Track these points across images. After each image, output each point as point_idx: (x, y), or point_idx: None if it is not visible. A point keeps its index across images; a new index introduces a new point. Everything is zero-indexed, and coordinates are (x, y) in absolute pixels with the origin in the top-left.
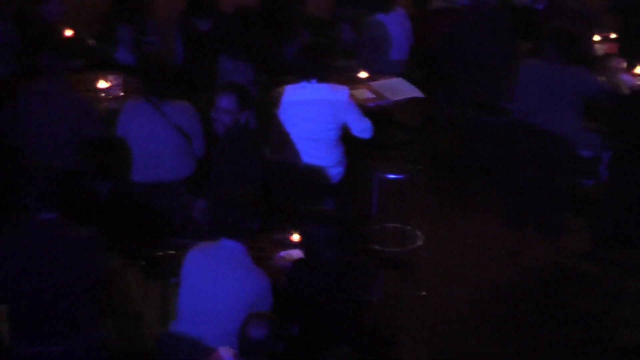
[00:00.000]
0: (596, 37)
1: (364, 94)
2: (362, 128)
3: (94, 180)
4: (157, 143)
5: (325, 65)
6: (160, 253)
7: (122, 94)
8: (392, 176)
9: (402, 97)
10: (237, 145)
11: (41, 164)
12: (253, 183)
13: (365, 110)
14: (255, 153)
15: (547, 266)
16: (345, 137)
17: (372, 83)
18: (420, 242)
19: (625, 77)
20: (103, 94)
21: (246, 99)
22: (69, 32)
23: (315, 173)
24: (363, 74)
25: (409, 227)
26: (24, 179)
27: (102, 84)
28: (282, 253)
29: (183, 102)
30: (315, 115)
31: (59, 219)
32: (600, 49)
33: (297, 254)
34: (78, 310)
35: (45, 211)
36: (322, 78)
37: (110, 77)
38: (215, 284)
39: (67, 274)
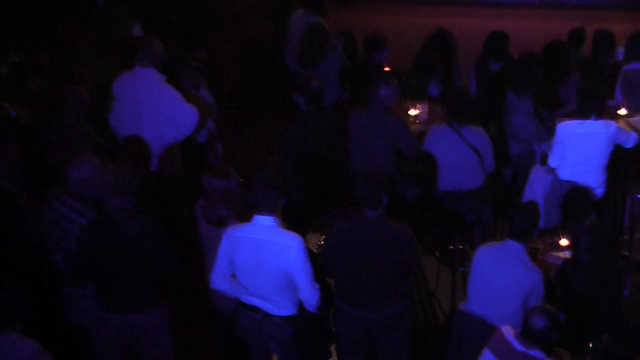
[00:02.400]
0: None
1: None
2: (630, 141)
3: (405, 186)
4: (457, 160)
5: (602, 105)
6: (452, 247)
7: (428, 119)
8: None
9: None
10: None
11: (369, 171)
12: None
13: None
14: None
15: None
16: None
17: (630, 119)
18: None
19: None
20: (413, 119)
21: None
22: (387, 69)
23: (584, 192)
24: (622, 111)
25: None
26: (354, 184)
27: (412, 111)
28: (553, 253)
29: (478, 127)
30: (593, 146)
31: (382, 216)
32: None
33: (565, 255)
34: (396, 286)
35: (371, 209)
36: (600, 115)
37: (419, 106)
38: (500, 275)
39: (387, 258)
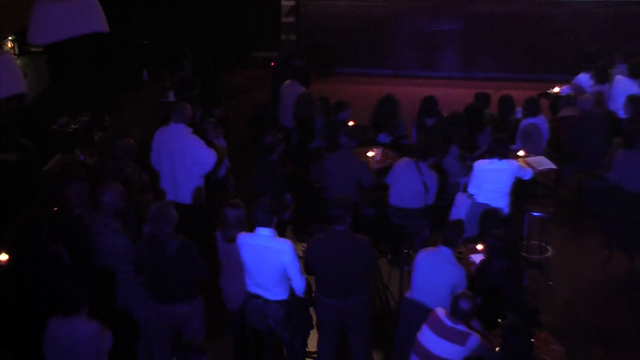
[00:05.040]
0: None
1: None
2: (527, 175)
3: (365, 208)
4: (410, 185)
5: (507, 149)
6: (399, 252)
7: (381, 159)
8: (536, 214)
9: (543, 168)
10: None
11: (339, 198)
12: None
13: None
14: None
15: (626, 271)
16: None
17: (526, 158)
18: (550, 253)
19: None
20: (370, 159)
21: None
22: (350, 123)
23: (494, 211)
24: (521, 153)
25: (544, 244)
26: (328, 207)
27: (370, 153)
28: (473, 255)
29: (433, 171)
30: (500, 178)
31: (347, 230)
32: None
33: (482, 256)
34: (358, 281)
35: (339, 225)
36: (502, 156)
37: (374, 150)
38: (435, 272)
39: (351, 260)
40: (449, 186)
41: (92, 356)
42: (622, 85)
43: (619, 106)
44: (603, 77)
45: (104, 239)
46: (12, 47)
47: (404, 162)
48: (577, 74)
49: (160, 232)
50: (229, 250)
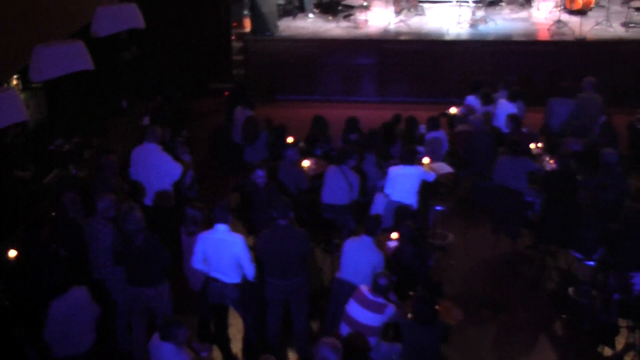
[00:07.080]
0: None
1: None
2: (430, 179)
3: (303, 207)
4: (337, 185)
5: (413, 156)
6: (330, 241)
7: (315, 167)
8: (438, 208)
9: (444, 172)
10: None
11: (281, 199)
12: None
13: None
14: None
15: (512, 252)
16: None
17: (430, 164)
18: (451, 238)
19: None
20: (306, 168)
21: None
22: (290, 139)
23: (405, 207)
24: (426, 160)
25: (445, 231)
26: (276, 204)
27: (305, 163)
28: (389, 242)
29: (356, 173)
30: (409, 180)
31: (289, 224)
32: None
33: (396, 243)
34: (298, 265)
35: (283, 219)
36: (411, 163)
37: (310, 160)
38: (359, 256)
39: (292, 249)
40: (369, 188)
41: (89, 317)
42: (504, 107)
43: (501, 123)
44: (488, 100)
45: (98, 240)
46: (17, 84)
47: (332, 168)
48: None
49: (127, 227)
50: (190, 242)
